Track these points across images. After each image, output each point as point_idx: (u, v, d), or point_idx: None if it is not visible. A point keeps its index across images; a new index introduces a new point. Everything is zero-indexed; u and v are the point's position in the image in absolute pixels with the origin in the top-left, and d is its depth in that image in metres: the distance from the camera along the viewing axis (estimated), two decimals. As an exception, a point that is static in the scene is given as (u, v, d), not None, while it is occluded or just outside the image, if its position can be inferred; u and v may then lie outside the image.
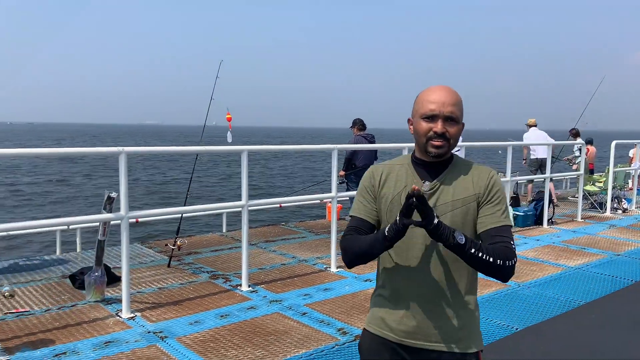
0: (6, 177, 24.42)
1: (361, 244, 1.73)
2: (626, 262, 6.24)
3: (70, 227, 6.58)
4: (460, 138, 10.16)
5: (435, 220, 1.57)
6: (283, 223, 8.88)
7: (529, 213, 8.57)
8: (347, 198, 7.82)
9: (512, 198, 9.63)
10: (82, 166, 31.38)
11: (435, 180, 1.78)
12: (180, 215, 5.80)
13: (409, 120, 1.84)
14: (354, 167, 8.36)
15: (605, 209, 9.89)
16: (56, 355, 3.50)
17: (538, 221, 8.59)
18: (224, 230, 8.10)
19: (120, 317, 4.21)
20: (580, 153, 9.80)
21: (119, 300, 4.35)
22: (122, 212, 4.15)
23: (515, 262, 1.67)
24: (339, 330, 4.03)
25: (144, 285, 5.07)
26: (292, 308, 4.49)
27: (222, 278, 5.31)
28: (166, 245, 6.14)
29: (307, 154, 43.68)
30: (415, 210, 1.56)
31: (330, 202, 6.87)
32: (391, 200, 1.78)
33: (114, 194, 4.27)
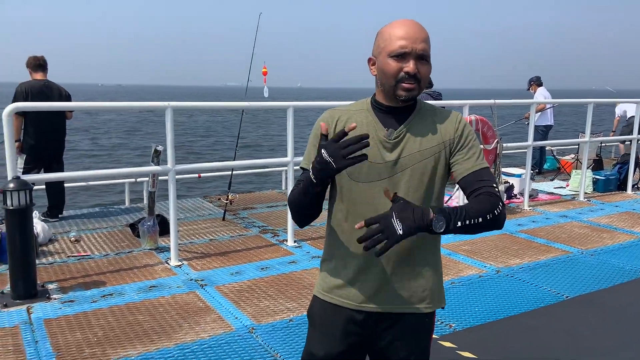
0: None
1: (297, 196, 1.61)
2: None
3: (138, 180, 6.97)
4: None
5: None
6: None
7: (611, 177, 7.89)
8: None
9: (594, 161, 8.90)
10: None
11: (400, 128, 1.59)
12: (231, 171, 5.93)
13: (369, 59, 1.62)
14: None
15: None
16: (103, 296, 3.76)
17: (622, 186, 7.90)
18: (284, 188, 8.23)
19: (169, 264, 4.43)
20: None
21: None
22: (169, 165, 4.30)
23: (502, 205, 1.51)
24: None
25: (197, 236, 5.29)
26: (332, 264, 4.49)
27: (271, 233, 5.41)
28: (219, 199, 6.35)
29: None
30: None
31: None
32: None
33: (160, 147, 4.43)
